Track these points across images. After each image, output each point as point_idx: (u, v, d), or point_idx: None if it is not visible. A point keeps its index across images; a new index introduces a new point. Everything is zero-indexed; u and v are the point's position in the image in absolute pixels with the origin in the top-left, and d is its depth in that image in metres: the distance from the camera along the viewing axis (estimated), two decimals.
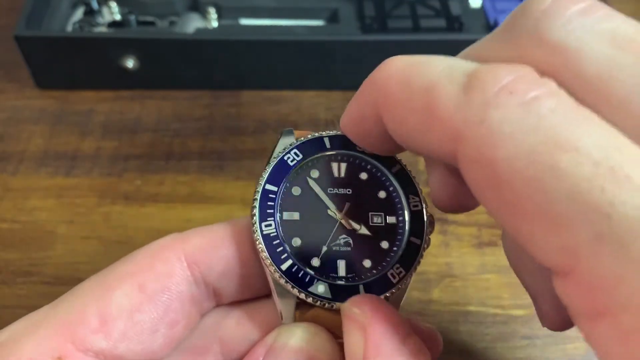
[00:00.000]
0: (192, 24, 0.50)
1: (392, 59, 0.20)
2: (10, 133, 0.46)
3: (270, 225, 0.23)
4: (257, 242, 0.23)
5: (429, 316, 0.37)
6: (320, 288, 0.22)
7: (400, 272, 0.23)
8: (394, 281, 0.23)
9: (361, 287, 0.23)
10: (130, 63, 0.46)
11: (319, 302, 0.22)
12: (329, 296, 0.22)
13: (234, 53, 0.46)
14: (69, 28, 0.49)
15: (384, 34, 0.47)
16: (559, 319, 0.25)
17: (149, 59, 0.46)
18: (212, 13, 0.50)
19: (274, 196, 0.23)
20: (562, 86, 0.16)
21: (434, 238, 0.40)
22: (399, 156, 0.25)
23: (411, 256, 0.24)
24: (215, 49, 0.46)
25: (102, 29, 0.49)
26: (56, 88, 0.48)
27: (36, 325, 0.21)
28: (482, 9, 0.51)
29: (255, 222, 0.23)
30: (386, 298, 0.23)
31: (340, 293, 0.22)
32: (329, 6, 0.50)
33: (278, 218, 0.23)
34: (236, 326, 0.25)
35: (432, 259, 0.39)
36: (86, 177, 0.43)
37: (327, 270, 0.23)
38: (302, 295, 0.22)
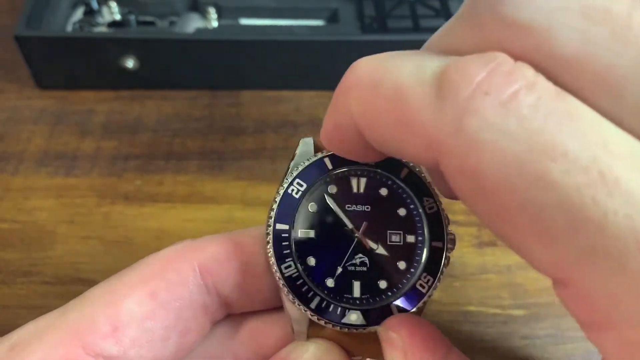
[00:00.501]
0: (192, 24, 0.50)
1: (359, 62, 0.18)
2: (10, 133, 0.46)
3: (290, 266, 0.22)
4: (282, 286, 0.22)
5: (429, 316, 0.37)
6: (353, 317, 0.22)
7: (429, 280, 0.23)
8: (424, 291, 0.22)
9: (393, 305, 0.22)
10: (130, 63, 0.46)
11: (354, 330, 0.22)
12: (363, 322, 0.22)
13: (234, 53, 0.46)
14: (69, 28, 0.49)
15: (384, 34, 0.47)
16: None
17: (149, 59, 0.46)
18: (212, 13, 0.50)
19: (287, 235, 0.23)
20: (537, 69, 0.15)
21: None
22: None
23: (436, 262, 0.23)
24: (215, 49, 0.46)
25: (102, 29, 0.49)
26: (56, 88, 0.48)
27: (46, 330, 0.21)
28: None
29: (274, 265, 0.22)
30: (419, 309, 0.22)
31: (373, 316, 0.22)
32: (329, 6, 0.50)
33: (293, 243, 0.23)
34: (249, 338, 0.24)
35: None
36: (86, 177, 0.43)
37: (341, 290, 0.22)
38: (337, 328, 0.22)
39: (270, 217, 0.23)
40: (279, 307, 0.24)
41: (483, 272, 0.39)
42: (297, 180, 0.23)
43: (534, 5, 0.15)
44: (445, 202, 0.42)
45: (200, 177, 0.43)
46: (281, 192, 0.23)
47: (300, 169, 0.23)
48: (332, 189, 0.23)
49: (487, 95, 0.14)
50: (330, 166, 0.23)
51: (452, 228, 0.41)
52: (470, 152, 0.15)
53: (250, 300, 0.24)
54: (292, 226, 0.23)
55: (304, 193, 0.23)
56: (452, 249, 0.23)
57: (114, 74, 0.47)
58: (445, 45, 0.18)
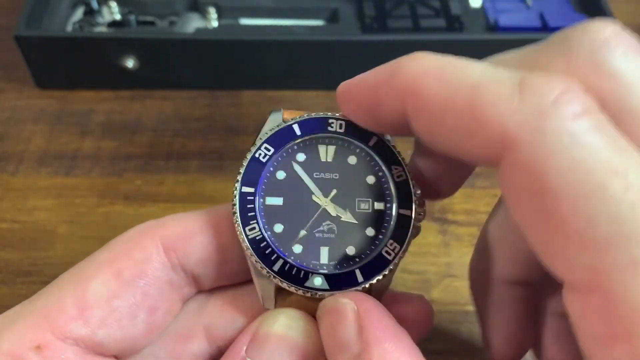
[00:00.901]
0: (192, 24, 0.50)
1: (422, 55, 0.20)
2: (10, 133, 0.46)
3: (254, 228, 0.22)
4: (245, 248, 0.22)
5: None
6: (317, 281, 0.22)
7: (395, 247, 0.23)
8: (390, 258, 0.22)
9: (357, 271, 0.22)
10: (130, 63, 0.46)
11: (317, 294, 0.22)
12: (327, 287, 0.22)
13: (234, 53, 0.46)
14: (69, 28, 0.49)
15: (384, 34, 0.47)
16: (510, 351, 0.25)
17: (149, 59, 0.46)
18: (212, 13, 0.50)
19: (252, 197, 0.23)
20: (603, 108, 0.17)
21: (434, 238, 0.40)
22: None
23: (404, 229, 0.23)
24: (215, 49, 0.46)
25: (102, 29, 0.49)
26: (56, 88, 0.48)
27: (15, 318, 0.21)
28: (482, 9, 0.51)
29: (239, 227, 0.22)
30: (384, 277, 0.22)
31: (337, 281, 0.22)
32: (329, 6, 0.50)
33: (260, 209, 0.23)
34: (220, 313, 0.24)
35: (432, 259, 0.39)
36: (86, 177, 0.43)
37: (308, 257, 0.22)
38: (300, 292, 0.22)
39: (237, 181, 0.23)
40: (249, 281, 0.24)
41: None
42: (265, 145, 0.23)
43: (625, 59, 0.18)
44: (445, 201, 0.42)
45: (200, 177, 0.43)
46: (249, 156, 0.23)
47: (269, 134, 0.24)
48: (301, 157, 0.24)
49: (568, 104, 0.16)
50: (298, 132, 0.24)
51: (452, 228, 0.41)
52: (545, 151, 0.16)
53: (219, 275, 0.24)
54: (257, 190, 0.23)
55: (271, 157, 0.23)
56: (422, 218, 0.23)
57: (114, 74, 0.47)
58: (520, 64, 0.20)
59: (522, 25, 0.48)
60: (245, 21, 0.51)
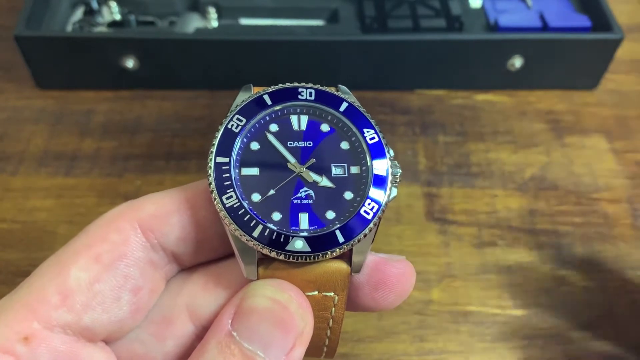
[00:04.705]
0: (192, 24, 0.50)
1: None
2: (10, 133, 0.46)
3: (231, 197, 0.22)
4: (223, 217, 0.22)
5: (429, 316, 0.37)
6: (298, 244, 0.22)
7: (373, 207, 0.23)
8: (369, 217, 0.23)
9: (338, 232, 0.22)
10: (130, 63, 0.46)
11: (299, 258, 0.22)
12: (308, 249, 0.22)
13: (234, 53, 0.46)
14: (69, 28, 0.49)
15: (384, 34, 0.47)
16: None
17: (149, 59, 0.46)
18: (212, 13, 0.50)
19: (227, 167, 0.23)
20: None
21: (434, 238, 0.40)
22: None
23: (380, 189, 0.23)
24: (215, 49, 0.46)
25: (102, 29, 0.49)
26: (56, 88, 0.48)
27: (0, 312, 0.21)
28: (482, 9, 0.51)
29: (216, 198, 0.22)
30: (365, 236, 0.22)
31: (318, 243, 0.22)
32: (329, 6, 0.50)
33: (236, 180, 0.23)
34: (202, 291, 0.24)
35: (432, 259, 0.39)
36: (86, 177, 0.43)
37: (288, 223, 0.22)
38: (282, 256, 0.22)
39: (211, 152, 0.23)
40: (230, 255, 0.24)
41: (483, 272, 0.39)
42: (237, 116, 0.24)
43: None
44: (445, 202, 0.42)
45: (200, 177, 0.43)
46: (221, 128, 0.24)
47: (240, 106, 0.24)
48: (274, 127, 0.24)
49: None
50: (269, 102, 0.24)
51: (452, 228, 0.41)
52: None
53: (199, 252, 0.24)
54: (232, 160, 0.23)
55: (243, 127, 0.23)
56: (397, 181, 0.24)
57: (114, 74, 0.47)
58: None
59: (522, 26, 0.48)
60: (245, 21, 0.51)
